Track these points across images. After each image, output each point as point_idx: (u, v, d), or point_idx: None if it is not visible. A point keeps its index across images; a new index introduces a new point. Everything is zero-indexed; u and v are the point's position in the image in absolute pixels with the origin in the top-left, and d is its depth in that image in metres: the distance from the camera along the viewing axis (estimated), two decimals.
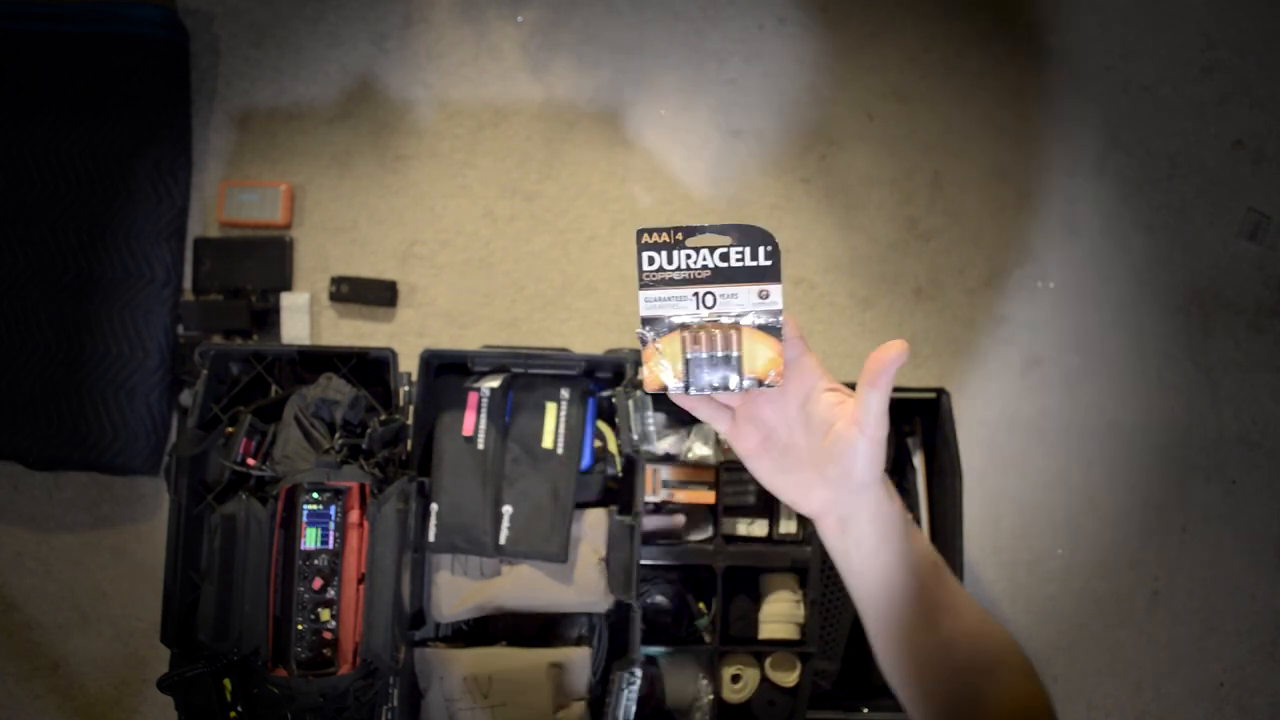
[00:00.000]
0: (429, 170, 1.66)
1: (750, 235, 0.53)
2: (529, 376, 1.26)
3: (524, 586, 1.20)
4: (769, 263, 0.52)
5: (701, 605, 1.34)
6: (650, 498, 1.34)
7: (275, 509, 1.06)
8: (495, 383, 1.22)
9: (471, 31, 1.69)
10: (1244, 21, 1.76)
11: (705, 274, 0.53)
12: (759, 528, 1.35)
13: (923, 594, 0.58)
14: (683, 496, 1.34)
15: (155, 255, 1.55)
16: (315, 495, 1.08)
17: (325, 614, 1.08)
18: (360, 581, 1.09)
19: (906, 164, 1.71)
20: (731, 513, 1.36)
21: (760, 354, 0.52)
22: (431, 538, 1.20)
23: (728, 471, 1.36)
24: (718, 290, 0.52)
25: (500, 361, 1.26)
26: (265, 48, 1.67)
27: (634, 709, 1.18)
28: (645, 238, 0.53)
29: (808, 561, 1.31)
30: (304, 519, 1.08)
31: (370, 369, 1.21)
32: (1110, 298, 1.71)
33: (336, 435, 1.11)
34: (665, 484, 1.36)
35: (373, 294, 1.61)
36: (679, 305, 0.52)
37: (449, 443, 1.21)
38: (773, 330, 0.53)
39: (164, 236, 1.56)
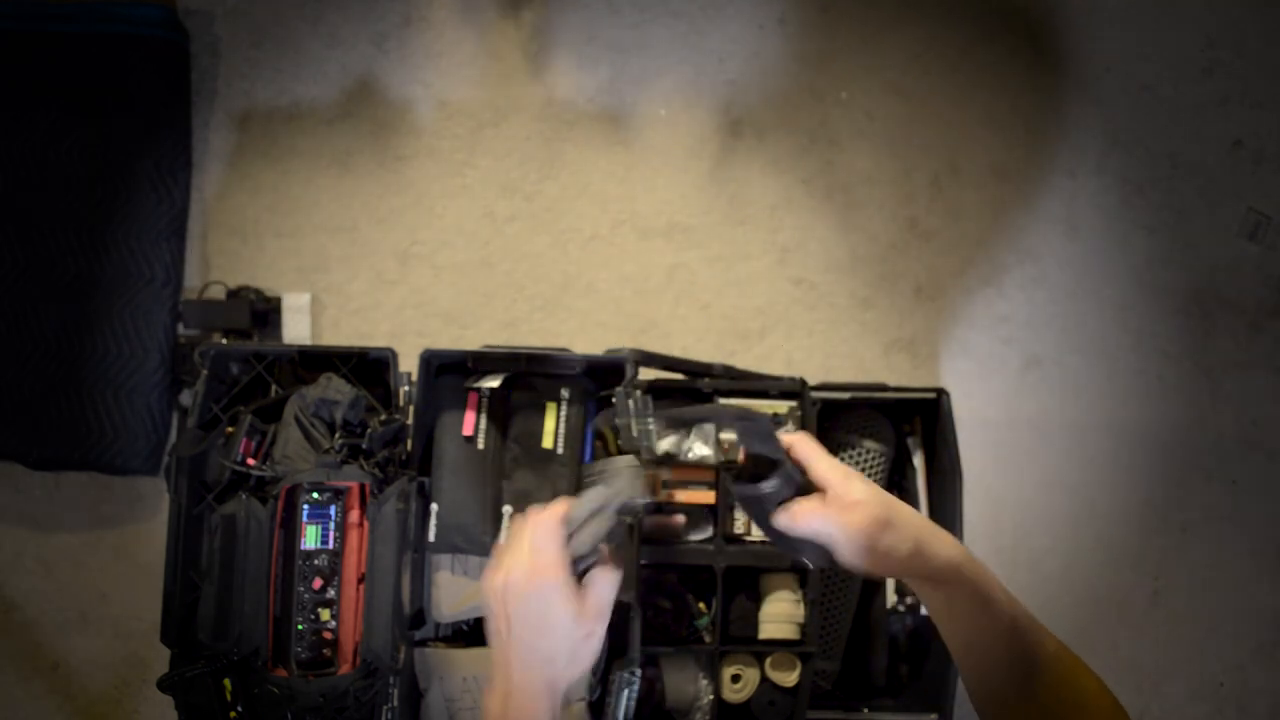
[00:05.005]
0: (429, 170, 1.66)
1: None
2: (529, 376, 1.26)
3: None
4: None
5: (701, 605, 1.34)
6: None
7: (275, 509, 1.06)
8: (495, 383, 1.22)
9: (471, 31, 1.69)
10: (1244, 21, 1.76)
11: None
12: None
13: (988, 657, 0.65)
14: (683, 496, 1.34)
15: (155, 255, 1.54)
16: (315, 495, 1.08)
17: (325, 614, 1.08)
18: (360, 581, 1.09)
19: (906, 164, 1.71)
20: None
21: None
22: (431, 538, 1.20)
23: (728, 471, 1.35)
24: None
25: (500, 362, 1.26)
26: (265, 48, 1.67)
27: (634, 709, 1.18)
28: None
29: None
30: (304, 519, 1.08)
31: (370, 369, 1.21)
32: (1110, 298, 1.71)
33: (336, 435, 1.11)
34: (665, 484, 1.35)
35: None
36: None
37: (449, 443, 1.21)
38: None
39: (164, 236, 1.56)
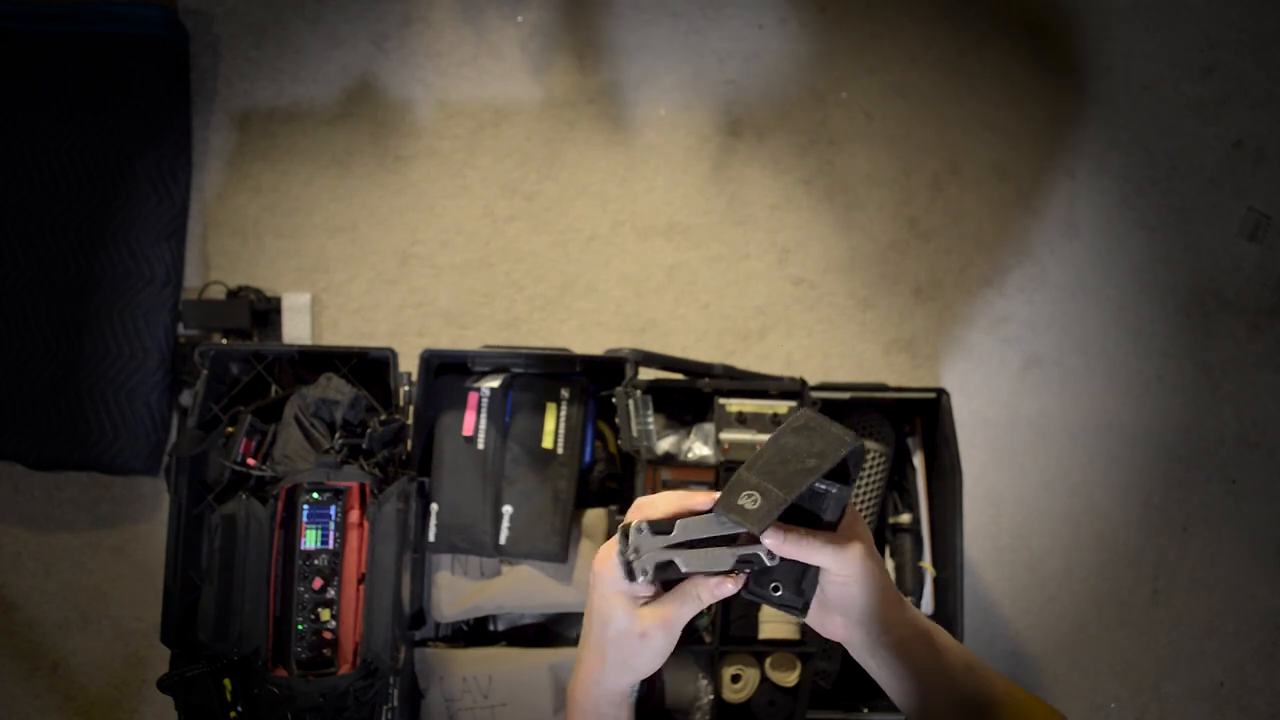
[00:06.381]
0: (429, 170, 1.66)
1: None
2: (529, 376, 1.26)
3: (524, 586, 1.20)
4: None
5: None
6: None
7: (275, 509, 1.06)
8: (495, 383, 1.22)
9: (471, 31, 1.69)
10: (1244, 21, 1.76)
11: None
12: None
13: (950, 698, 0.65)
14: None
15: (155, 255, 1.54)
16: (315, 495, 1.08)
17: (325, 614, 1.08)
18: (360, 581, 1.09)
19: (906, 164, 1.71)
20: None
21: None
22: (431, 538, 1.20)
23: (728, 471, 1.36)
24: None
25: (500, 361, 1.26)
26: (265, 48, 1.67)
27: (634, 709, 1.18)
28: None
29: None
30: (304, 519, 1.08)
31: (370, 369, 1.21)
32: (1110, 298, 1.71)
33: (336, 435, 1.11)
34: (665, 484, 1.36)
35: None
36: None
37: (449, 443, 1.21)
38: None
39: (164, 236, 1.56)
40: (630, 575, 0.62)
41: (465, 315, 1.64)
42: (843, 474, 0.63)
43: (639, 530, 0.62)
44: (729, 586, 0.63)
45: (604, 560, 0.64)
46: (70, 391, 1.50)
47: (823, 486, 0.63)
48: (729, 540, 0.63)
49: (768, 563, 0.62)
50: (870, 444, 1.40)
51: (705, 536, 0.63)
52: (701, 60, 1.71)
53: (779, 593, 0.65)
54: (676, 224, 1.68)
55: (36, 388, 1.51)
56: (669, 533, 0.62)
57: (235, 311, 1.58)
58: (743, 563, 0.63)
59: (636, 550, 0.62)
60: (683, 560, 0.62)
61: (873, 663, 0.66)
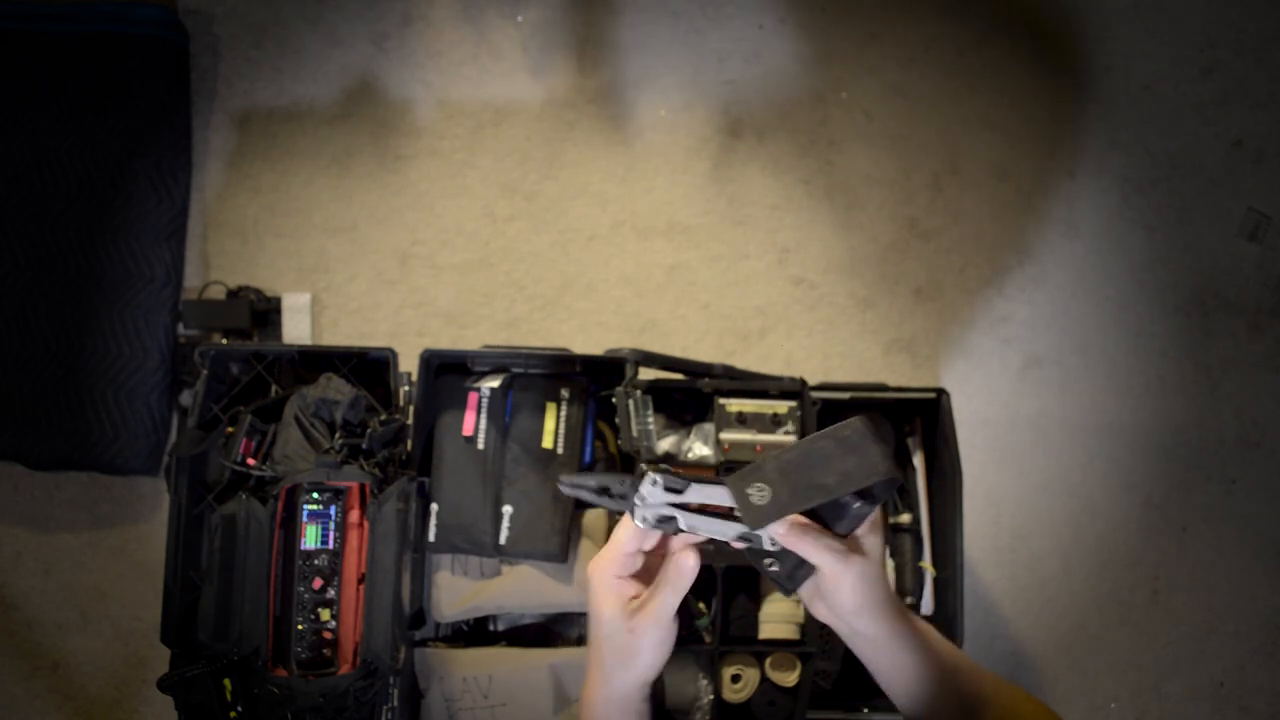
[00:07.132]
0: (429, 170, 1.67)
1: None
2: (529, 376, 1.26)
3: (524, 586, 1.20)
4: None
5: (701, 605, 1.34)
6: None
7: (275, 509, 1.06)
8: (495, 383, 1.22)
9: (471, 31, 1.70)
10: (1244, 21, 1.76)
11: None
12: None
13: (939, 697, 0.67)
14: None
15: (155, 255, 1.54)
16: (315, 495, 1.08)
17: (325, 614, 1.08)
18: (360, 581, 1.09)
19: (906, 164, 1.71)
20: None
21: None
22: (431, 538, 1.20)
23: (728, 472, 1.36)
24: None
25: (500, 361, 1.26)
26: (265, 48, 1.67)
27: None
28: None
29: None
30: (304, 519, 1.08)
31: (370, 369, 1.21)
32: (1110, 298, 1.71)
33: (336, 435, 1.11)
34: None
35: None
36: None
37: (449, 443, 1.21)
38: None
39: (164, 236, 1.56)
40: (633, 516, 0.63)
41: (465, 315, 1.64)
42: (869, 492, 0.62)
43: (653, 482, 0.62)
44: (691, 562, 0.63)
45: (595, 565, 0.65)
46: (70, 391, 1.50)
47: (845, 499, 0.62)
48: (736, 515, 0.62)
49: (768, 548, 0.62)
50: None
51: (713, 504, 0.63)
52: (701, 60, 1.71)
53: (773, 568, 0.64)
54: (676, 224, 1.68)
55: (36, 388, 1.51)
56: (680, 491, 0.62)
57: (235, 311, 1.58)
58: (744, 539, 0.63)
59: (643, 498, 0.62)
60: (684, 519, 0.62)
61: (854, 650, 0.68)
